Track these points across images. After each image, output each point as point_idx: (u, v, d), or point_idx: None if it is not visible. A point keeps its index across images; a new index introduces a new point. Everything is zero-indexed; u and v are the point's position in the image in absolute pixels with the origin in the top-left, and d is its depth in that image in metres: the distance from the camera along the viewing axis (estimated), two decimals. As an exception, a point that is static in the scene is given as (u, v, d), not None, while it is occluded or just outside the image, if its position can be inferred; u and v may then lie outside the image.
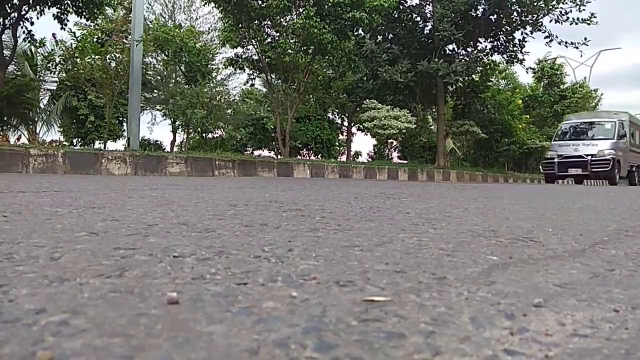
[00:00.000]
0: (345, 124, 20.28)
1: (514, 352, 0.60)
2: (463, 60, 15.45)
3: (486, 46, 16.83)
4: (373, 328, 0.66)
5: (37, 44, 11.75)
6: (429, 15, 16.43)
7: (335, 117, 20.30)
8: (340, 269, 1.01)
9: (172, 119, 16.35)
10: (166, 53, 13.76)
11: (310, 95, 16.38)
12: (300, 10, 11.43)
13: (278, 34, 11.98)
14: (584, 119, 17.46)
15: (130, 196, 2.62)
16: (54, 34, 13.37)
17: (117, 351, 0.55)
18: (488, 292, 0.87)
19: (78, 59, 10.56)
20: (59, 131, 17.30)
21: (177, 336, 0.60)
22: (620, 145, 15.71)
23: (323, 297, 0.80)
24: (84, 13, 10.59)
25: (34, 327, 0.62)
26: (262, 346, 0.58)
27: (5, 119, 13.47)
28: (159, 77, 16.99)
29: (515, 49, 16.64)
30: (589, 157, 14.93)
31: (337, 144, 19.99)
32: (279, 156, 13.05)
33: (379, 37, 16.34)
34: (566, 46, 15.94)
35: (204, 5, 12.21)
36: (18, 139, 15.41)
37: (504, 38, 16.66)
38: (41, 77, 15.82)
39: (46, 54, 13.90)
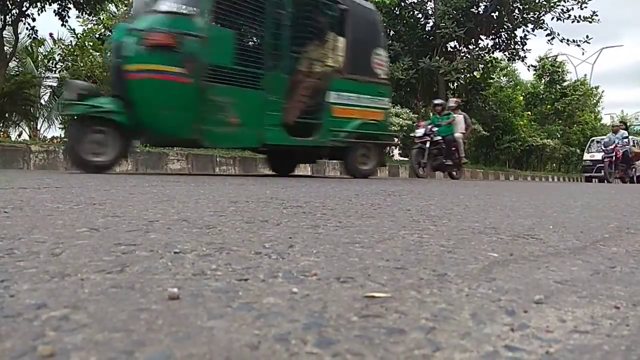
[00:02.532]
0: (346, 121, 20.25)
1: (515, 348, 0.60)
2: (464, 58, 15.43)
3: (487, 43, 16.84)
4: (374, 324, 0.66)
5: (37, 42, 11.76)
6: (430, 12, 16.41)
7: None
8: (341, 266, 1.01)
9: (172, 116, 16.29)
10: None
11: (311, 92, 16.34)
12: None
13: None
14: None
15: (131, 192, 2.62)
16: (51, 34, 13.33)
17: (117, 346, 0.55)
18: (489, 288, 0.87)
19: (78, 57, 10.55)
20: (60, 128, 17.29)
21: (178, 331, 0.61)
22: None
23: (324, 293, 0.80)
24: (85, 9, 10.58)
25: (34, 321, 0.62)
26: (263, 341, 0.58)
27: (6, 115, 13.47)
28: (159, 74, 16.93)
29: (516, 46, 16.62)
30: None
31: (338, 141, 19.98)
32: (279, 153, 12.98)
33: (380, 34, 16.30)
34: (568, 44, 15.96)
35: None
36: (19, 136, 15.43)
37: (506, 35, 16.65)
38: (42, 74, 15.83)
39: (45, 53, 13.90)
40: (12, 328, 0.60)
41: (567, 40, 15.94)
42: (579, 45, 15.96)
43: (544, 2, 15.25)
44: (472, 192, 4.02)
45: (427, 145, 9.96)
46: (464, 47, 16.28)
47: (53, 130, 17.45)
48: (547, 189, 5.81)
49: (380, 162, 7.57)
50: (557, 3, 15.32)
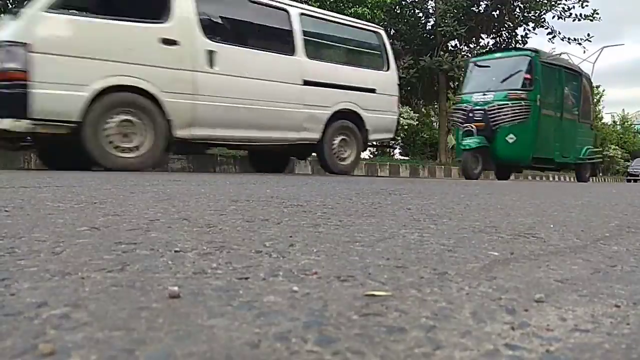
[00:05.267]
0: (347, 120, 20.22)
1: (515, 346, 0.60)
2: (465, 57, 15.44)
3: (488, 42, 16.81)
4: (374, 322, 0.66)
5: None
6: (431, 11, 16.40)
7: (336, 113, 20.23)
8: (342, 264, 1.01)
9: (173, 115, 16.28)
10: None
11: (312, 92, 16.33)
12: (302, 5, 11.42)
13: (280, 29, 11.95)
14: None
15: (131, 191, 2.62)
16: None
17: (118, 344, 0.55)
18: (489, 287, 0.87)
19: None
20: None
21: (179, 329, 0.61)
22: None
23: (324, 292, 0.80)
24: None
25: (35, 320, 0.62)
26: (263, 340, 0.58)
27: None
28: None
29: (517, 45, 16.61)
30: None
31: (338, 140, 19.94)
32: (280, 152, 13.02)
33: (381, 33, 16.30)
34: (569, 42, 15.94)
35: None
36: (20, 135, 15.44)
37: (507, 34, 16.63)
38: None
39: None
40: (13, 326, 0.60)
41: (568, 38, 15.93)
42: (580, 44, 15.95)
43: (545, 1, 15.24)
44: (473, 191, 4.02)
45: None
46: (464, 45, 16.28)
47: (54, 129, 17.44)
48: (547, 188, 5.80)
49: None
50: (558, 1, 15.32)
